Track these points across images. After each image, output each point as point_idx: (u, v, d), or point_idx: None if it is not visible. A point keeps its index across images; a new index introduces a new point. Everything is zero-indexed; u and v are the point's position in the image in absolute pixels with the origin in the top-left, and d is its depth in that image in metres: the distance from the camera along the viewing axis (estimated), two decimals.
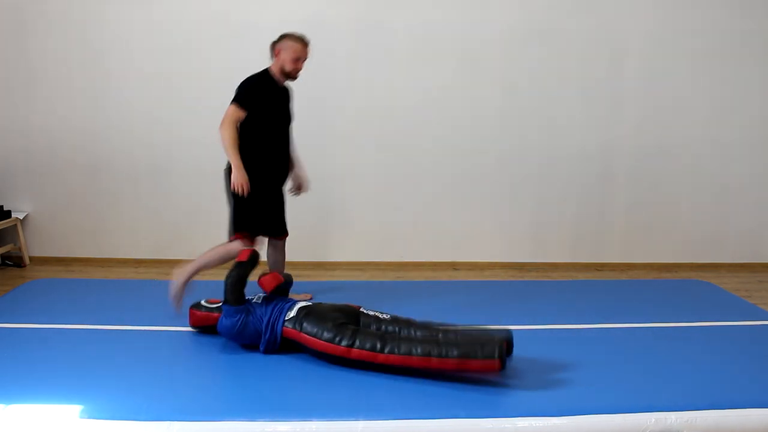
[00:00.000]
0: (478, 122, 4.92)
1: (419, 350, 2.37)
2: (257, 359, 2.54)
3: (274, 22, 4.68)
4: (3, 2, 4.63)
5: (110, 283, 3.89)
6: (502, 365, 2.30)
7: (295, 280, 3.15)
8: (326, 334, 2.48)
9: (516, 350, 2.51)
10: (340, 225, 5.03)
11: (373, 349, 2.41)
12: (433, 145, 4.92)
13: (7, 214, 4.71)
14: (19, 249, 4.84)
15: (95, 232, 4.96)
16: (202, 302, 2.84)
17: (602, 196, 5.08)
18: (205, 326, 2.80)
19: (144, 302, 3.29)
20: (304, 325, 2.54)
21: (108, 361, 2.56)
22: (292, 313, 2.60)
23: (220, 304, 2.78)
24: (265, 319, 2.59)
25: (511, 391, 2.32)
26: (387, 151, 4.89)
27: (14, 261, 4.88)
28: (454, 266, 5.04)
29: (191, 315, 2.82)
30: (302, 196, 3.47)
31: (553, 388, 2.36)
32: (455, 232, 5.07)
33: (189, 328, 2.87)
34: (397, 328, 2.59)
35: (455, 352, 2.33)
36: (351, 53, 4.77)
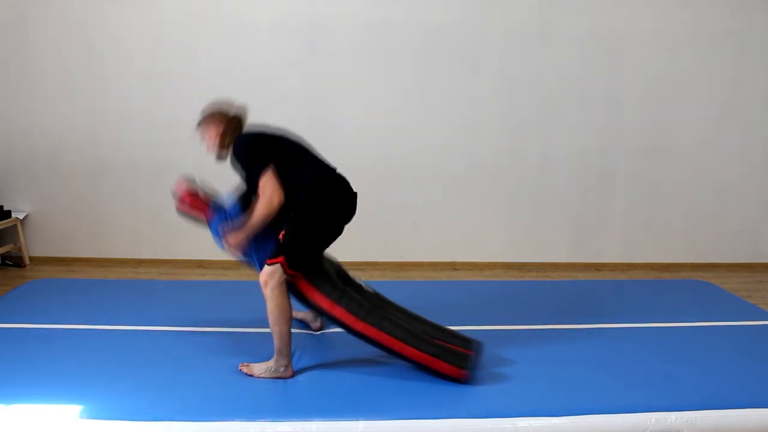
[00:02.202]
0: (478, 122, 4.92)
1: (398, 334, 2.43)
2: (257, 359, 2.54)
3: (273, 22, 4.71)
4: (4, 2, 4.64)
5: (110, 283, 3.88)
6: (468, 378, 2.37)
7: None
8: (318, 282, 2.50)
9: (516, 350, 2.51)
10: None
11: (356, 314, 2.45)
12: (432, 145, 4.92)
13: (7, 214, 4.71)
14: (19, 249, 4.84)
15: (95, 232, 4.96)
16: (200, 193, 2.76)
17: (602, 196, 5.08)
18: (194, 218, 2.73)
19: (144, 302, 3.29)
20: None
21: (108, 361, 2.56)
22: None
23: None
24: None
25: (511, 391, 2.33)
26: (387, 151, 4.89)
27: (14, 261, 4.88)
28: (454, 266, 5.04)
29: (182, 200, 2.74)
30: None
31: (553, 388, 2.36)
32: (455, 232, 5.07)
33: (189, 328, 2.87)
34: (379, 303, 2.61)
35: (431, 350, 2.40)
36: (351, 53, 4.77)
